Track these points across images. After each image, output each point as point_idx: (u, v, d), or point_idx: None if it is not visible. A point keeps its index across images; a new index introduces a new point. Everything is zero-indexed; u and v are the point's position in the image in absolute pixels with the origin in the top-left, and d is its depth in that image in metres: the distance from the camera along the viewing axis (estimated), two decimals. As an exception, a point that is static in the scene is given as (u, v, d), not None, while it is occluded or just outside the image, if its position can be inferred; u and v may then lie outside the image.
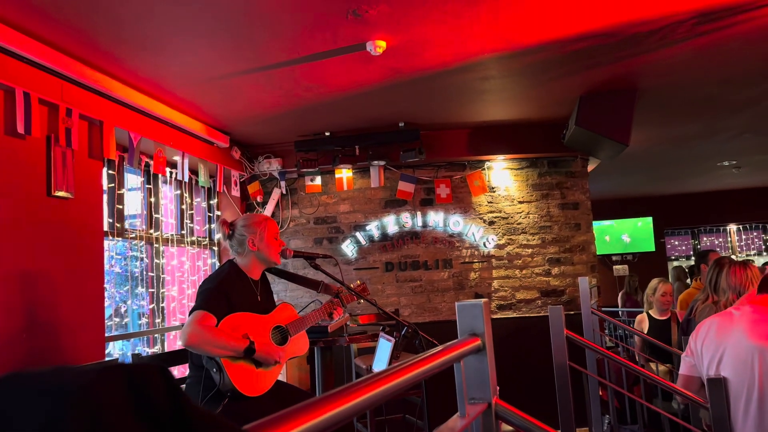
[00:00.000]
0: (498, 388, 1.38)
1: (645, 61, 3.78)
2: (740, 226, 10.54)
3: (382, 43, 3.20)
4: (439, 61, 3.59)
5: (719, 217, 10.38)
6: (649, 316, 4.84)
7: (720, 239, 10.62)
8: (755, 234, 10.56)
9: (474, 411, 1.27)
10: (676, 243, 10.71)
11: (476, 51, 3.46)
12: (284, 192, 5.43)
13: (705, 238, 10.66)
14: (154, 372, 0.38)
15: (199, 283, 2.65)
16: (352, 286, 2.95)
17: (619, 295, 8.60)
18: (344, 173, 5.32)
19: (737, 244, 10.49)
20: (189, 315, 2.42)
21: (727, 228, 10.58)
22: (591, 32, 3.29)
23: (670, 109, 4.93)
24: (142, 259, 4.36)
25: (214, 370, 2.37)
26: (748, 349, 2.37)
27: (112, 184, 3.90)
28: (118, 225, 3.90)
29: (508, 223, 5.42)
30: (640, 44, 3.49)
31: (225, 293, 2.49)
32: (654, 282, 4.90)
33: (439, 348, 1.14)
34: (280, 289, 5.25)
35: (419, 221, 5.36)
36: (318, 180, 5.44)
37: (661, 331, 4.59)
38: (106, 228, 3.68)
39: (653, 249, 9.98)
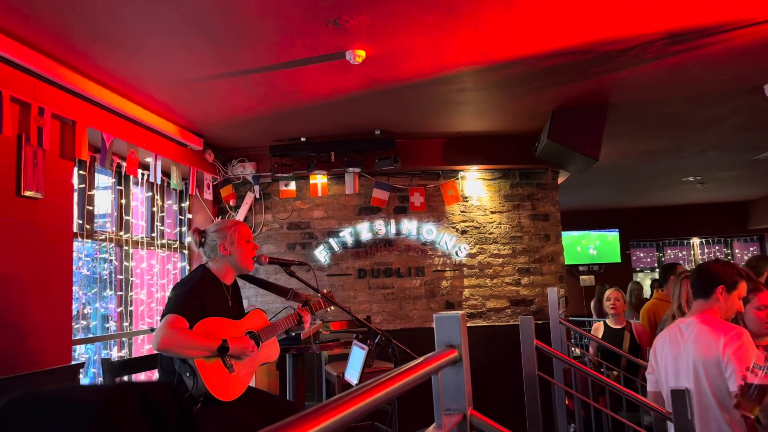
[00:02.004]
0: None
1: (616, 78, 3.88)
2: (703, 240, 10.84)
3: (362, 53, 3.22)
4: (416, 72, 3.63)
5: (683, 231, 10.66)
6: (605, 324, 4.96)
7: (684, 252, 10.91)
8: (717, 248, 10.87)
9: (450, 422, 1.29)
10: (642, 255, 10.96)
11: (453, 63, 3.51)
12: (258, 196, 5.40)
13: (669, 251, 10.93)
14: (164, 391, 0.39)
15: (171, 287, 2.63)
16: (324, 292, 2.97)
17: (592, 303, 8.75)
18: (319, 179, 5.32)
19: (700, 257, 10.78)
20: (161, 319, 2.40)
21: (691, 241, 10.87)
22: (565, 49, 3.37)
23: (638, 124, 5.07)
24: (111, 262, 4.29)
25: (188, 374, 2.35)
26: (695, 362, 2.48)
27: (83, 185, 3.83)
28: (88, 226, 3.84)
29: (480, 233, 5.48)
30: (612, 62, 3.59)
31: (197, 297, 2.48)
32: (606, 291, 5.07)
33: (419, 360, 1.17)
34: (251, 294, 5.22)
35: (393, 229, 5.39)
36: (292, 185, 5.43)
37: (613, 339, 4.70)
38: (75, 229, 3.62)
39: (619, 260, 10.20)
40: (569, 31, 3.14)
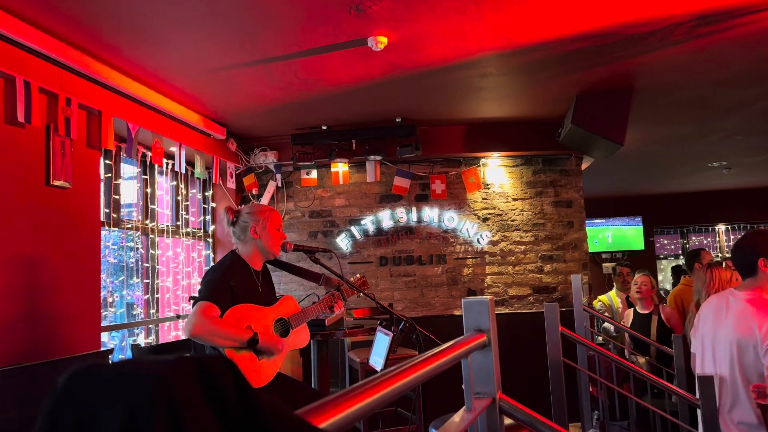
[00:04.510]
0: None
1: (642, 61, 3.82)
2: (728, 226, 10.66)
3: (384, 39, 3.21)
4: (438, 58, 3.61)
5: (708, 217, 10.49)
6: (634, 310, 4.92)
7: (708, 239, 10.74)
8: (743, 234, 10.67)
9: (480, 405, 1.29)
10: (665, 242, 10.82)
11: (476, 48, 3.48)
12: (279, 185, 5.44)
13: (694, 238, 10.77)
14: (221, 363, 0.40)
15: (202, 274, 2.67)
16: (351, 280, 2.98)
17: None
18: (340, 167, 5.33)
19: (725, 243, 10.61)
20: (193, 306, 2.43)
21: (716, 228, 10.70)
22: (590, 32, 3.32)
23: (664, 109, 4.98)
24: (137, 250, 4.35)
25: None
26: (732, 340, 2.44)
27: (109, 174, 3.89)
28: (114, 215, 3.89)
29: (501, 220, 5.46)
30: (639, 45, 3.53)
31: (228, 283, 2.51)
32: (635, 275, 5.01)
33: (450, 344, 1.17)
34: (274, 281, 5.25)
35: (414, 216, 5.39)
36: (314, 173, 5.44)
37: (642, 325, 4.68)
38: (102, 218, 3.68)
39: (642, 247, 10.08)
40: (594, 14, 3.09)
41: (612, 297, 5.60)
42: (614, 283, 5.70)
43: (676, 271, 6.87)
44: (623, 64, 3.87)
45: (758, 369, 2.35)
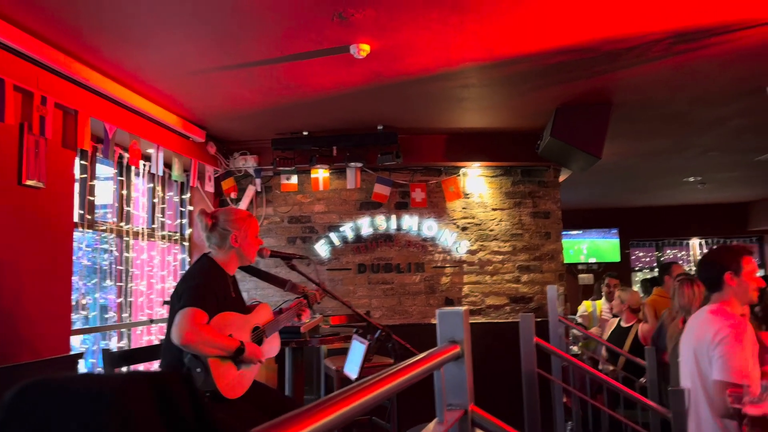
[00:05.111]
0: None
1: (621, 76, 3.87)
2: (702, 241, 10.84)
3: (366, 47, 3.21)
4: (421, 67, 3.62)
5: (683, 231, 10.65)
6: (618, 322, 5.06)
7: (683, 252, 10.91)
8: (716, 248, 10.86)
9: (452, 417, 1.29)
10: (641, 254, 10.96)
11: (458, 59, 3.50)
12: (259, 190, 5.40)
13: (669, 251, 10.93)
14: (178, 380, 0.39)
15: (178, 278, 2.61)
16: (314, 287, 2.98)
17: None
18: (321, 173, 5.31)
19: (699, 257, 10.78)
20: (178, 312, 2.33)
21: (690, 242, 10.87)
22: (570, 46, 3.36)
23: (641, 124, 5.06)
24: (111, 252, 4.28)
25: (198, 369, 2.31)
26: (692, 350, 2.50)
27: (84, 175, 3.82)
28: (89, 217, 3.83)
29: (480, 230, 5.48)
30: (617, 60, 3.58)
31: (212, 289, 2.45)
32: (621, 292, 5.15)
33: (423, 355, 1.16)
34: (251, 287, 5.22)
35: (393, 224, 5.38)
36: (294, 179, 5.42)
37: (619, 336, 4.84)
38: (76, 219, 3.61)
39: (618, 259, 10.20)
40: (575, 29, 3.13)
41: (597, 305, 5.72)
42: (602, 293, 5.84)
43: (645, 284, 7.09)
44: (602, 79, 3.92)
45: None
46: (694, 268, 10.47)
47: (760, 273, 2.79)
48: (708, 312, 2.53)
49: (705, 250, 10.77)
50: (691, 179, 7.77)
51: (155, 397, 0.36)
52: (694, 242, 10.85)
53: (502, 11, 2.89)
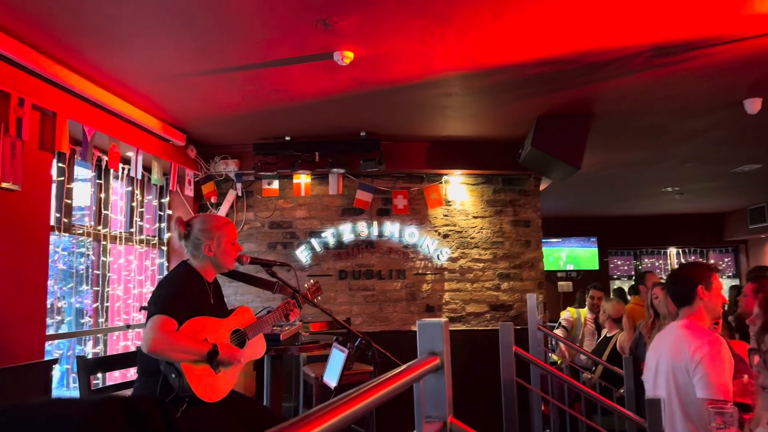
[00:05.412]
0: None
1: (601, 88, 3.92)
2: (679, 250, 11.00)
3: (350, 54, 3.21)
4: (404, 75, 3.63)
5: (660, 240, 10.81)
6: (600, 331, 5.16)
7: (660, 261, 11.06)
8: (693, 258, 11.04)
9: (430, 429, 1.29)
10: (619, 263, 11.09)
11: (441, 68, 3.52)
12: (240, 194, 5.36)
13: (646, 260, 11.08)
14: (152, 404, 0.39)
15: (155, 283, 2.59)
16: (306, 286, 2.97)
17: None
18: (303, 179, 5.29)
19: (676, 266, 10.95)
20: (148, 320, 2.34)
21: (668, 251, 11.03)
22: (551, 58, 3.39)
23: (620, 135, 5.13)
24: (88, 256, 4.22)
25: (173, 375, 2.31)
26: (668, 367, 2.53)
27: (61, 177, 3.77)
28: (65, 220, 3.77)
29: (461, 237, 5.50)
30: (598, 72, 3.63)
31: (184, 297, 2.44)
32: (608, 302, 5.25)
33: (402, 368, 1.16)
34: (230, 293, 5.17)
35: (375, 231, 5.38)
36: (275, 184, 5.39)
37: (601, 345, 4.89)
38: (52, 222, 3.56)
39: (597, 267, 10.31)
40: (556, 41, 3.16)
41: (582, 313, 5.80)
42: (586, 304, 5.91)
43: (620, 293, 7.24)
44: (582, 90, 3.97)
45: (691, 390, 2.43)
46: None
47: (734, 282, 2.85)
48: (680, 327, 2.57)
49: (682, 260, 10.93)
50: (669, 189, 7.89)
51: (129, 422, 0.35)
52: (672, 251, 11.01)
53: (485, 22, 2.91)
